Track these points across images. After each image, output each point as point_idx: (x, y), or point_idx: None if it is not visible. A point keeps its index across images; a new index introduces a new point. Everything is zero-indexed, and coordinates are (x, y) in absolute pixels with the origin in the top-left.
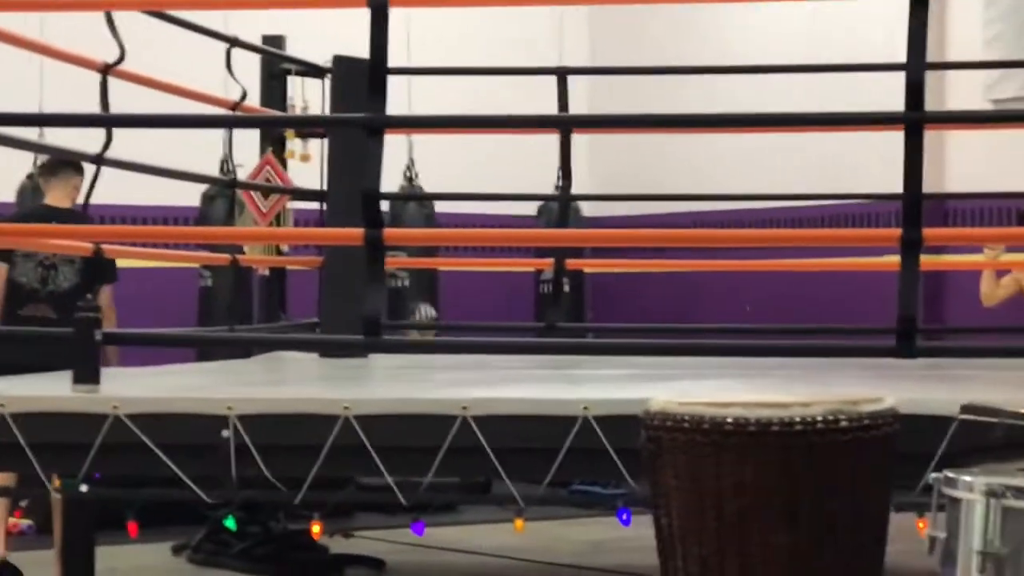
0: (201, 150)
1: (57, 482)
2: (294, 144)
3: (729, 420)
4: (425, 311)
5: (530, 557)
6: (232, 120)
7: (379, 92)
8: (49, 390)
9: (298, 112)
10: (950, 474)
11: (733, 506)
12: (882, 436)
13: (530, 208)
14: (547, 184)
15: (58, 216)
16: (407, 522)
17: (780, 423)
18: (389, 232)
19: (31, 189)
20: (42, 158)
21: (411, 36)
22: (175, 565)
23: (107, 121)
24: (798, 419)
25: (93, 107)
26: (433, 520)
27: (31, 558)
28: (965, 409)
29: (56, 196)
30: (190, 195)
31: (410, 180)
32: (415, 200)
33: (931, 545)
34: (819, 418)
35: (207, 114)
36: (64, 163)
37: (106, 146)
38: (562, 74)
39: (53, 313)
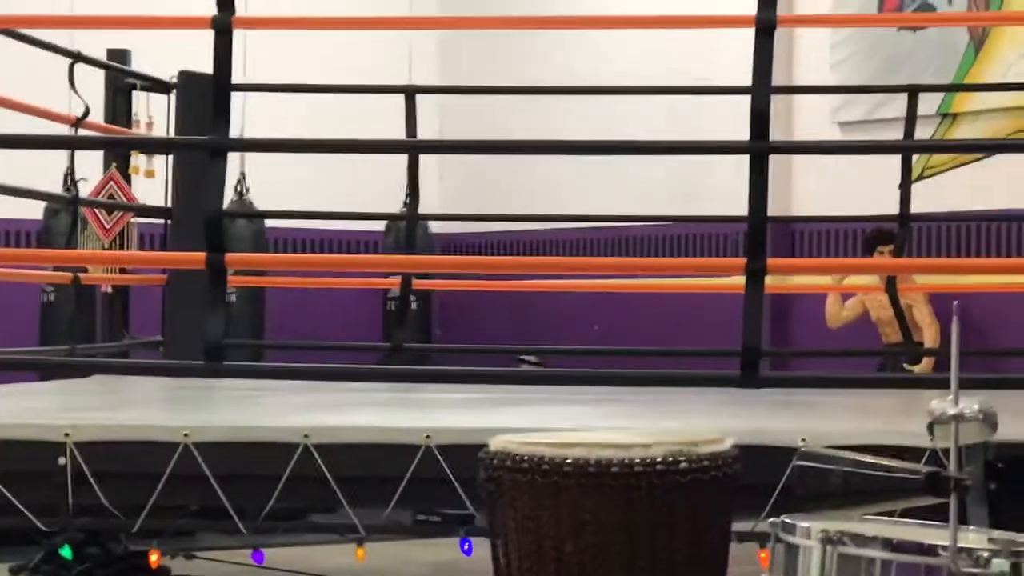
0: (45, 161)
1: None
2: (138, 160)
3: (568, 460)
4: None
5: None
6: (76, 141)
7: (223, 113)
8: None
9: (143, 127)
10: (787, 519)
11: (572, 546)
12: (722, 476)
13: (377, 224)
14: (394, 198)
15: None
16: (246, 543)
17: (620, 464)
18: (231, 256)
19: None
20: None
21: (252, 54)
22: None
23: None
24: (638, 460)
25: None
26: (275, 540)
27: None
28: (803, 456)
29: None
30: (33, 208)
31: (240, 195)
32: (247, 217)
33: None
34: (659, 459)
35: (49, 135)
36: None
37: None
38: (411, 93)
39: None
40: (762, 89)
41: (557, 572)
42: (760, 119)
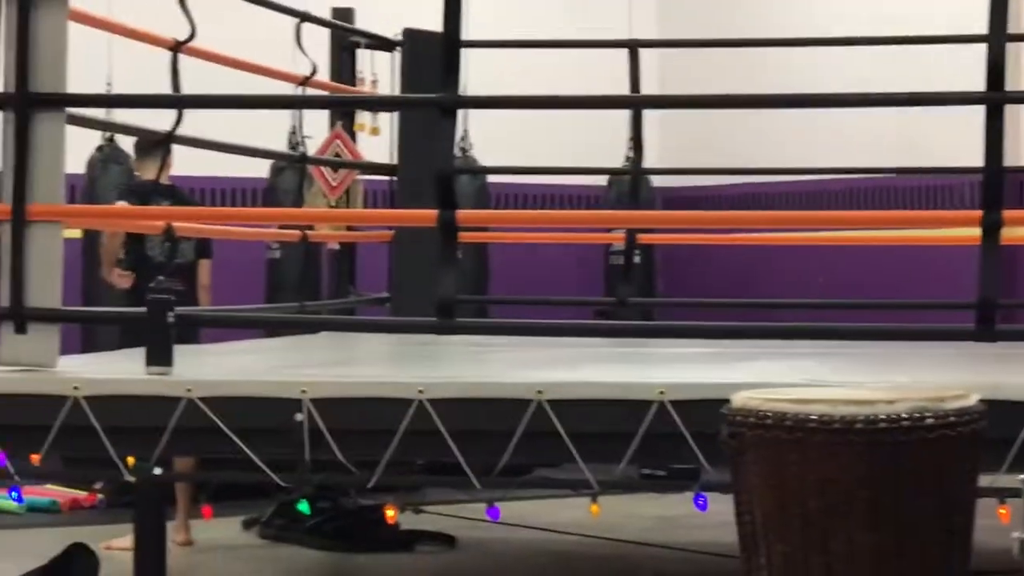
0: (271, 120)
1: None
2: (363, 117)
3: (812, 417)
4: None
5: (600, 534)
6: (302, 101)
7: (452, 70)
8: (123, 372)
9: (367, 85)
10: None
11: (817, 503)
12: (968, 433)
13: (596, 179)
14: (614, 152)
15: (162, 191)
16: (477, 498)
17: (865, 421)
18: (462, 213)
19: (100, 161)
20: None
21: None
22: (246, 540)
23: (178, 102)
24: (883, 416)
25: (162, 80)
26: (503, 495)
27: (102, 532)
28: None
29: (151, 173)
30: (259, 167)
31: (464, 152)
32: (474, 173)
33: (1020, 548)
34: (904, 416)
35: (277, 95)
36: (156, 142)
37: (176, 125)
38: (634, 47)
39: (180, 285)
40: (998, 38)
41: (802, 530)
42: (996, 69)
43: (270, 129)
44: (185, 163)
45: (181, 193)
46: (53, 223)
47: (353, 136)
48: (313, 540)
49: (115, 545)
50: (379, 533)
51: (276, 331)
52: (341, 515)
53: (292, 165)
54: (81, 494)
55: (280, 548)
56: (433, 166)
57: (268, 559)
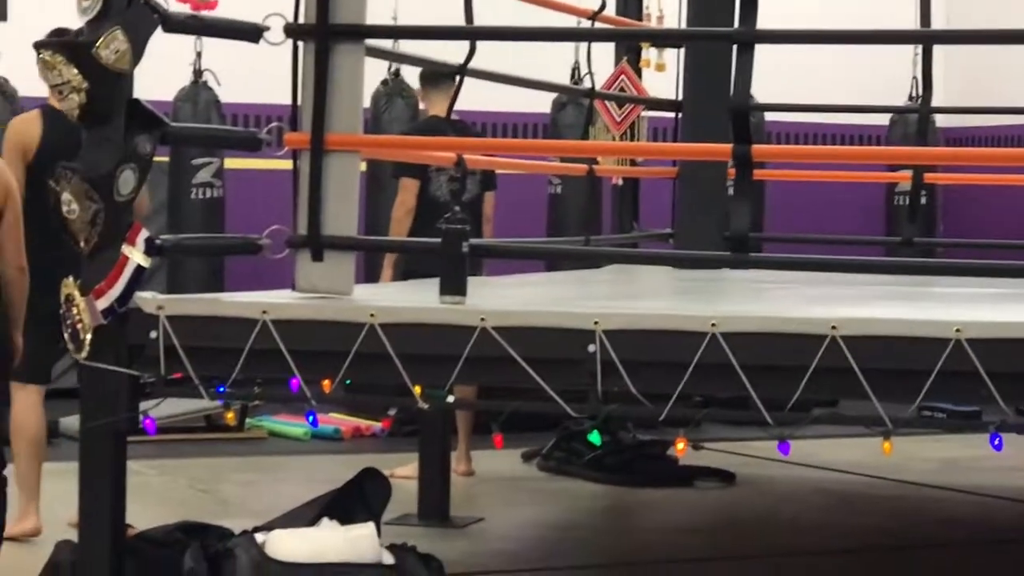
0: (552, 57)
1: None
2: (649, 53)
3: None
4: None
5: (879, 474)
6: (594, 33)
7: (750, 4)
8: (417, 301)
9: (653, 20)
10: None
11: None
12: None
13: (874, 118)
14: (894, 92)
15: (448, 127)
16: (755, 435)
17: None
18: (758, 148)
19: (385, 96)
20: (395, 66)
21: None
22: (525, 472)
23: (473, 34)
24: None
25: (441, 14)
26: (779, 434)
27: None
28: None
29: (439, 107)
30: (540, 102)
31: None
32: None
33: None
34: None
35: (569, 27)
36: (444, 75)
37: (469, 57)
38: None
39: (466, 224)
40: None
41: None
42: None
43: (552, 66)
44: (464, 98)
45: (468, 127)
46: (351, 153)
47: (638, 72)
48: (592, 473)
49: (398, 474)
50: (659, 468)
51: (556, 265)
52: (620, 449)
53: (575, 101)
54: (363, 423)
55: (560, 481)
56: (719, 102)
57: (549, 491)
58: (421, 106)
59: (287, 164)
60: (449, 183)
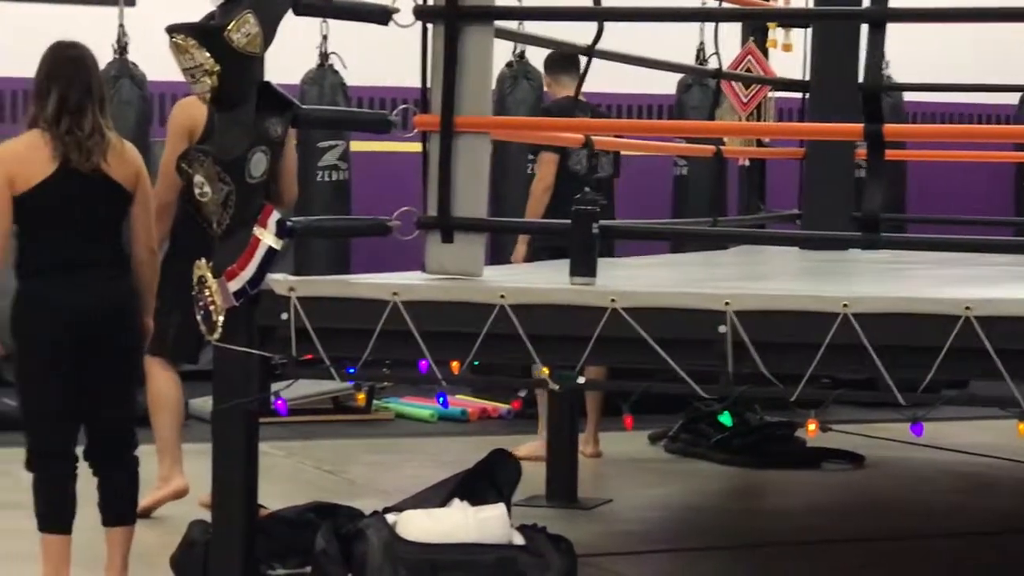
0: (675, 37)
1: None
2: (776, 34)
3: None
4: None
5: (1010, 456)
6: (724, 13)
7: None
8: (547, 282)
9: (780, 2)
10: None
11: None
12: None
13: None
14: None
15: (579, 108)
16: (883, 417)
17: None
18: (890, 128)
19: (510, 77)
20: (519, 48)
21: None
22: (653, 453)
23: (599, 15)
24: None
25: None
26: (909, 416)
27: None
28: None
29: (567, 89)
30: (665, 83)
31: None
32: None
33: None
34: None
35: (697, 8)
36: (572, 58)
37: (597, 38)
38: None
39: (602, 199)
40: None
41: None
42: None
43: (677, 48)
44: (588, 80)
45: (596, 109)
46: (481, 134)
47: (765, 53)
48: (720, 455)
49: (521, 453)
50: (786, 449)
51: (680, 247)
52: (748, 431)
53: (700, 82)
54: (489, 404)
55: (687, 462)
56: (847, 81)
57: (676, 473)
58: (545, 88)
59: (409, 147)
60: (589, 158)
